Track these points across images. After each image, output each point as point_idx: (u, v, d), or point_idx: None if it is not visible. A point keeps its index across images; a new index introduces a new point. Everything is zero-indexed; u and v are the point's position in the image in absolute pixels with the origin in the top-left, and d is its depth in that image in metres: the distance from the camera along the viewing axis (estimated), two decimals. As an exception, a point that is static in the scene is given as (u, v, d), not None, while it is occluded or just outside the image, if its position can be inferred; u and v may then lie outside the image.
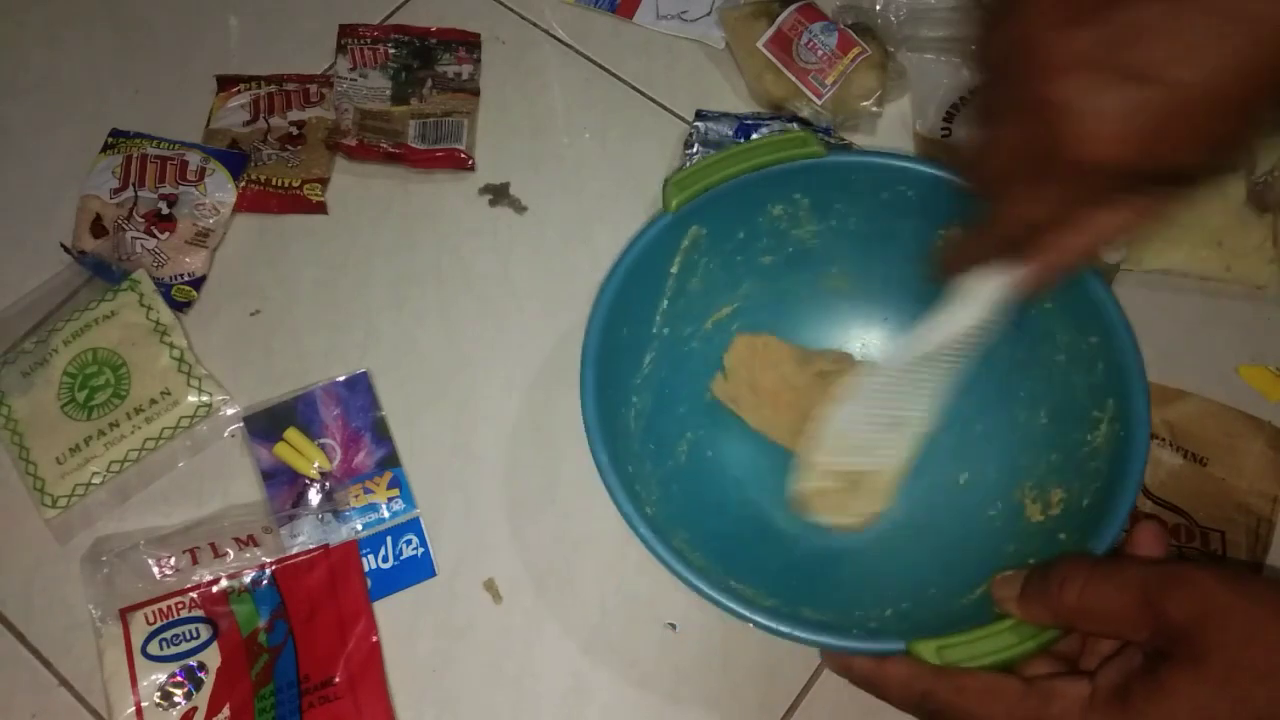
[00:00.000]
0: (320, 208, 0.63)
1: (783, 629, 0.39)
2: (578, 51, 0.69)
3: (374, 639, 0.50)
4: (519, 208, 0.63)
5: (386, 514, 0.54)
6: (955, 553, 0.47)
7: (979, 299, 0.41)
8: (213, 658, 0.49)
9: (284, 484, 0.54)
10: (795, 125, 0.63)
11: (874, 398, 0.47)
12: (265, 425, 0.55)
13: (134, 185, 0.62)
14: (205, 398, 0.56)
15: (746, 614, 0.40)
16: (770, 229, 0.51)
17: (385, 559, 0.53)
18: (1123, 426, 0.43)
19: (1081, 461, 0.45)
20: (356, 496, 0.54)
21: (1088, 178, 0.34)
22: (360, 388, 0.57)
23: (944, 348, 0.44)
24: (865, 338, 0.55)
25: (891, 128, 0.66)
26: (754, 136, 0.62)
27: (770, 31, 0.65)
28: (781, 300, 0.54)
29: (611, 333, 0.46)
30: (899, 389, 0.47)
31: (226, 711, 0.48)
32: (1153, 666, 0.33)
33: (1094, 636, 0.37)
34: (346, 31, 0.68)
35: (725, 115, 0.64)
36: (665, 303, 0.50)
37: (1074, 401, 0.47)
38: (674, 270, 0.50)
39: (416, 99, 0.66)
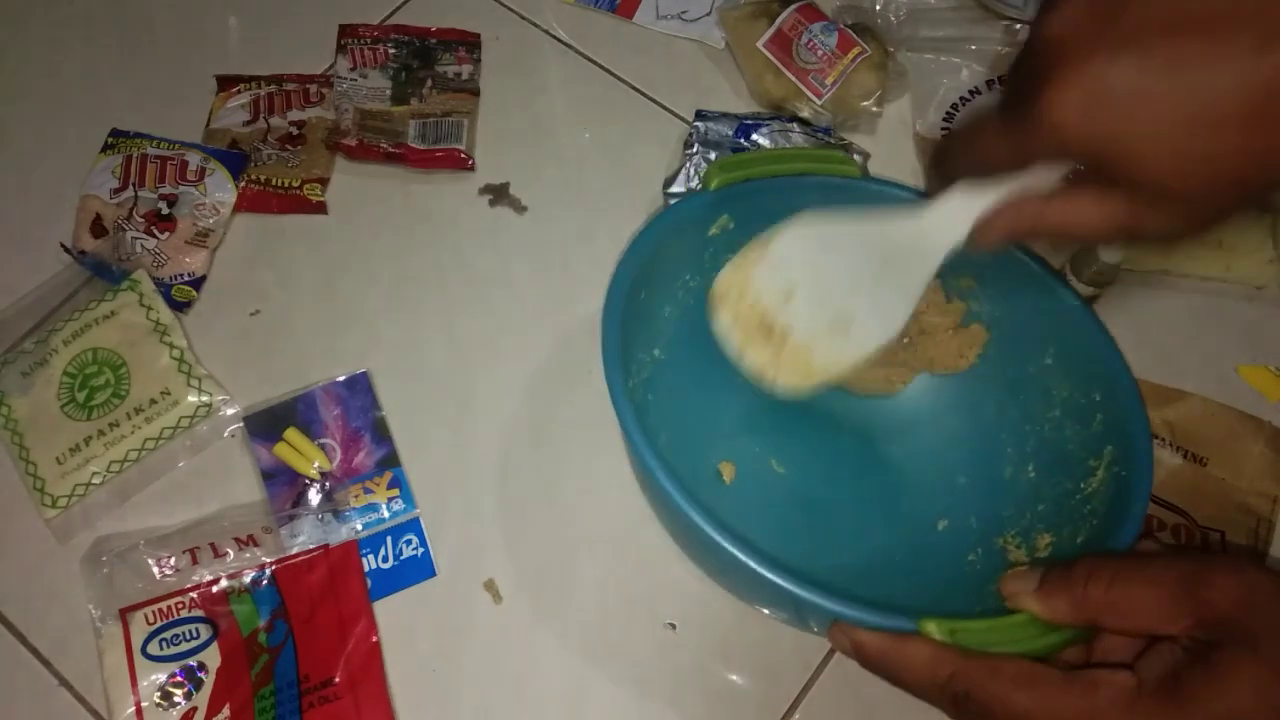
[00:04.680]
0: (320, 208, 0.63)
1: (782, 582, 0.36)
2: (578, 51, 0.69)
3: (374, 639, 0.50)
4: (519, 208, 0.63)
5: (386, 514, 0.54)
6: (936, 594, 0.46)
7: (951, 219, 0.39)
8: (213, 658, 0.49)
9: (284, 484, 0.54)
10: (795, 125, 0.63)
11: (829, 265, 0.43)
12: (265, 425, 0.55)
13: (134, 185, 0.62)
14: (205, 398, 0.56)
15: (742, 556, 0.36)
16: None
17: (385, 559, 0.53)
18: (1123, 468, 0.43)
19: (1074, 508, 0.45)
20: (356, 496, 0.54)
21: (1044, 136, 0.32)
22: (360, 388, 0.57)
23: (907, 251, 0.41)
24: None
25: (891, 128, 0.66)
26: (754, 136, 0.62)
27: (770, 31, 0.65)
28: None
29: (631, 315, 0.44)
30: (856, 270, 0.43)
31: (226, 711, 0.48)
32: (1203, 655, 0.32)
33: (1117, 634, 0.36)
34: (346, 31, 0.68)
35: (725, 115, 0.64)
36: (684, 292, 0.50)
37: (1065, 453, 0.46)
38: (700, 256, 0.50)
39: (416, 99, 0.66)
